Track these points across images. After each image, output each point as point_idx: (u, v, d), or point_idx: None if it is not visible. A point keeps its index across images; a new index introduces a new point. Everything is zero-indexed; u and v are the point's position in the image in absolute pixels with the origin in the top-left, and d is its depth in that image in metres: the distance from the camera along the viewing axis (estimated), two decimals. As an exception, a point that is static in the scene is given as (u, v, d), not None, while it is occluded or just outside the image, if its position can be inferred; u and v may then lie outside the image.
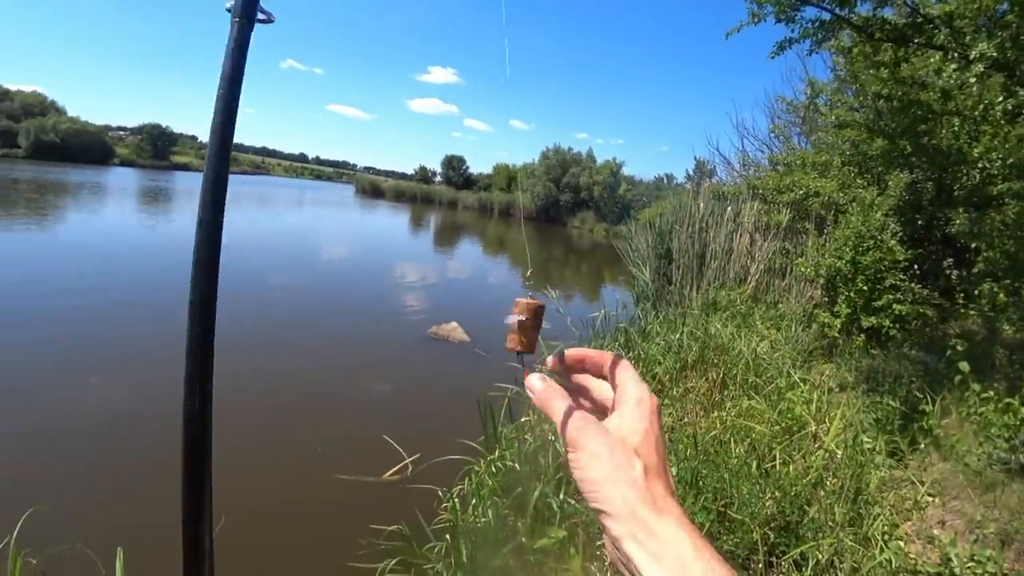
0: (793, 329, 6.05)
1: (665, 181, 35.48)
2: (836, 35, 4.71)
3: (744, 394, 4.15)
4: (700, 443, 3.06)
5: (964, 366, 3.73)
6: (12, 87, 59.57)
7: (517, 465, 3.08)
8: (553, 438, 3.16)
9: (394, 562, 2.83)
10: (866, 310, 5.35)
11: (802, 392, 4.16)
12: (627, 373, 0.49)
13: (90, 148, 57.22)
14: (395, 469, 4.13)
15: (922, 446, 3.67)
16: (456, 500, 3.12)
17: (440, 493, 3.27)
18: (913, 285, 5.44)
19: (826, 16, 4.39)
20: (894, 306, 5.18)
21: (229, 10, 0.50)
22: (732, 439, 3.35)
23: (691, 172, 21.48)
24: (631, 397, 0.47)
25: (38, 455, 4.17)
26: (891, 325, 5.17)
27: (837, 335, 5.57)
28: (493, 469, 3.27)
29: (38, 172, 36.04)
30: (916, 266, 6.02)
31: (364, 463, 4.21)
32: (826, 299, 6.17)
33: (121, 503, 3.61)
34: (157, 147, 69.81)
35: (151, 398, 5.26)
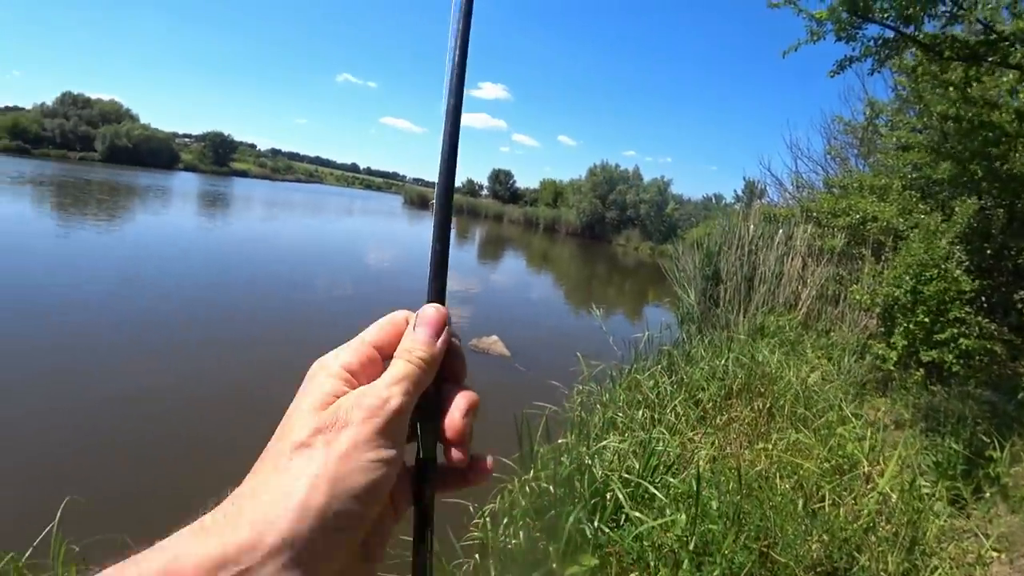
0: (846, 360, 5.77)
1: (713, 201, 34.79)
2: (899, 53, 4.51)
3: (792, 427, 3.96)
4: (744, 477, 2.93)
5: (1038, 410, 3.46)
6: (93, 95, 63.88)
7: (552, 487, 3.02)
8: (590, 462, 3.09)
9: (422, 575, 2.81)
10: (927, 343, 5.05)
11: (854, 428, 3.94)
12: None
13: (158, 153, 60.81)
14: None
15: (988, 495, 3.40)
16: (487, 518, 3.08)
17: (472, 509, 3.24)
18: (980, 319, 5.11)
19: (889, 34, 4.22)
20: (959, 340, 4.86)
21: None
22: (778, 474, 3.19)
23: (740, 192, 20.97)
24: None
25: (87, 446, 4.37)
26: (954, 360, 4.85)
27: (893, 368, 5.27)
28: (527, 489, 3.21)
29: (110, 175, 38.44)
30: (983, 298, 5.65)
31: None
32: (882, 329, 5.87)
33: (161, 494, 3.72)
34: (218, 154, 73.51)
35: (196, 393, 5.46)
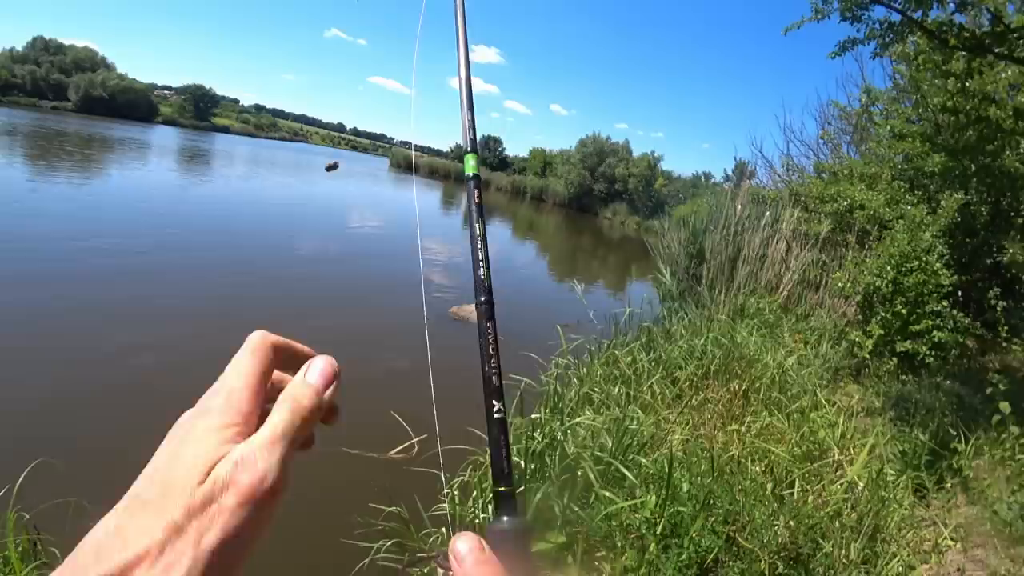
0: (822, 345, 5.82)
1: (703, 179, 34.70)
2: (904, 39, 4.41)
3: (766, 410, 3.98)
4: (716, 460, 2.93)
5: (1005, 406, 3.50)
6: (66, 41, 60.91)
7: (523, 463, 3.00)
8: (562, 438, 3.07)
9: (390, 543, 2.79)
10: (902, 333, 5.11)
11: (827, 414, 3.98)
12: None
13: (136, 105, 58.47)
14: (400, 448, 4.05)
15: (948, 486, 3.47)
16: (457, 491, 3.06)
17: (443, 479, 3.21)
18: (955, 312, 5.17)
19: (896, 17, 4.10)
20: (934, 332, 4.92)
21: None
22: (750, 458, 3.21)
23: (730, 172, 20.92)
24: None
25: (58, 408, 4.24)
26: (928, 352, 4.92)
27: (868, 356, 5.34)
28: (498, 463, 3.19)
29: (84, 126, 36.93)
30: (960, 293, 5.71)
31: (369, 438, 4.13)
32: (860, 317, 5.92)
33: (125, 461, 3.63)
34: (199, 108, 71.07)
35: (175, 358, 5.32)
